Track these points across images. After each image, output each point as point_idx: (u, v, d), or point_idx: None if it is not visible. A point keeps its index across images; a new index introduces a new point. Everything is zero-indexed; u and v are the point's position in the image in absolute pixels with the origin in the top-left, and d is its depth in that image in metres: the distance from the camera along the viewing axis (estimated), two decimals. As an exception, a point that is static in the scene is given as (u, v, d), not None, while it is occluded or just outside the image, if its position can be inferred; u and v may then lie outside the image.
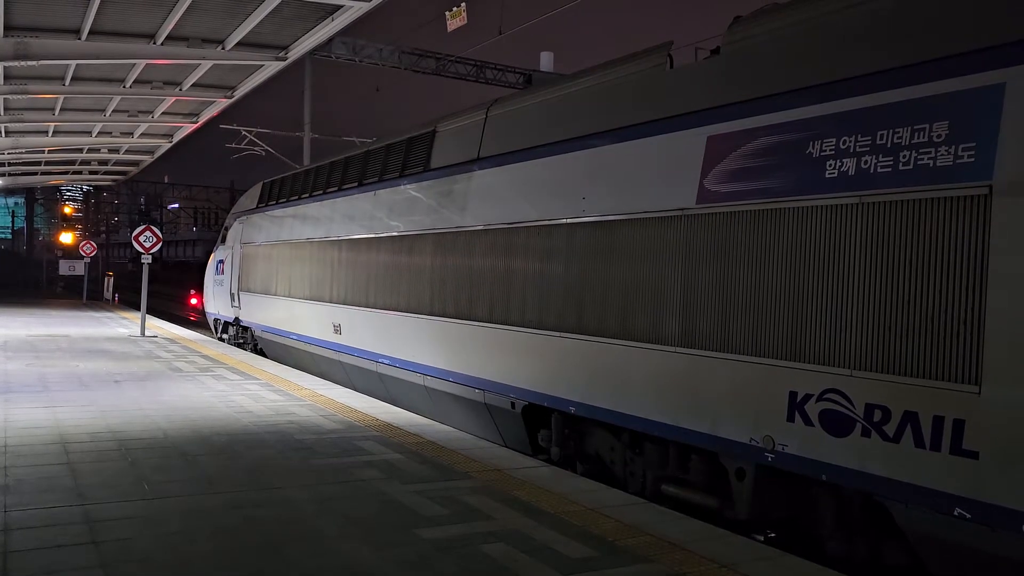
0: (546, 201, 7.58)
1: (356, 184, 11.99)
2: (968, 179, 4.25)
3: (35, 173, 32.72)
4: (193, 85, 16.05)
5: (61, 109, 18.44)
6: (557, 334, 7.24)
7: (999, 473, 4.07)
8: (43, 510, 5.02)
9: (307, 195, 14.04)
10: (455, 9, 20.88)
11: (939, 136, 4.43)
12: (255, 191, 17.66)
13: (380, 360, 10.76)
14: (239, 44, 13.03)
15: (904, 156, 4.57)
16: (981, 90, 4.27)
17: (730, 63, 5.99)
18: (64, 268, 36.98)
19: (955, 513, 4.24)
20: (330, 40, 20.17)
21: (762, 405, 5.30)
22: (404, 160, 10.63)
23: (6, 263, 56.14)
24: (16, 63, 12.66)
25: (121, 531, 4.68)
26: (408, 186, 10.34)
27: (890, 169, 4.63)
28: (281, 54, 13.66)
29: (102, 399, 9.18)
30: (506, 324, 7.95)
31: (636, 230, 6.44)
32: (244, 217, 17.73)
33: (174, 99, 17.35)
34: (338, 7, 11.39)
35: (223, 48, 13.17)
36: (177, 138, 22.97)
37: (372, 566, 4.27)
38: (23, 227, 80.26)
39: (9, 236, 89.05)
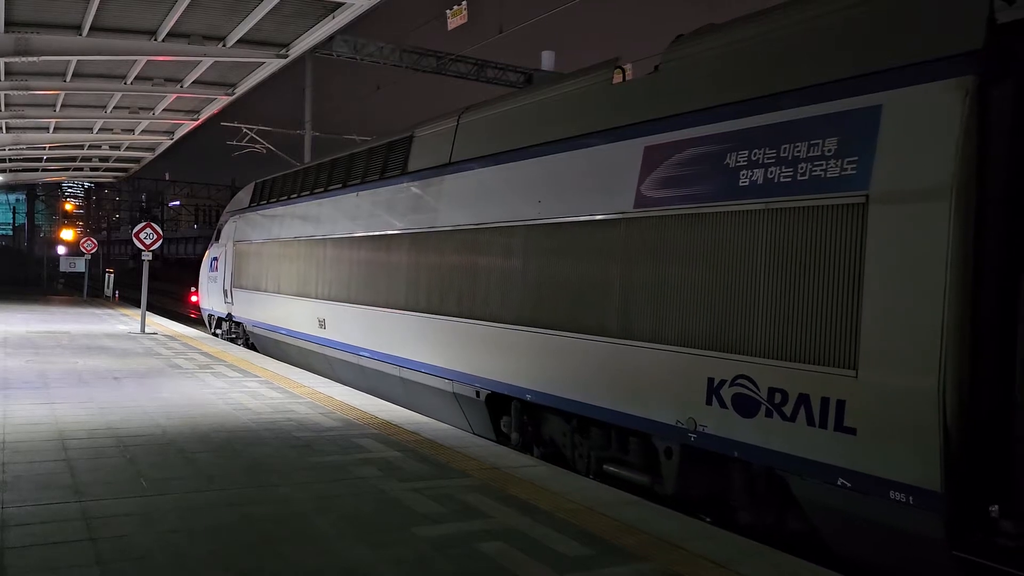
0: (507, 204, 8.14)
1: (341, 185, 12.54)
2: (850, 188, 4.85)
3: (36, 169, 32.72)
4: (194, 82, 16.05)
5: (62, 105, 18.45)
6: (515, 327, 7.75)
7: (872, 446, 4.65)
8: (41, 506, 5.02)
9: (296, 195, 14.58)
10: (456, 7, 20.84)
11: (829, 150, 5.01)
12: (248, 190, 18.09)
13: (361, 353, 11.20)
14: (240, 41, 13.04)
15: (802, 168, 5.16)
16: (863, 110, 4.87)
17: (664, 79, 6.60)
18: (65, 265, 36.99)
19: (839, 483, 4.80)
20: (331, 38, 20.12)
21: (686, 390, 5.84)
22: (384, 163, 11.18)
23: (7, 259, 56.10)
24: (17, 59, 12.67)
25: (118, 528, 4.68)
26: (387, 188, 10.88)
27: (790, 179, 5.21)
28: (282, 52, 13.66)
29: (101, 396, 9.19)
30: (471, 318, 8.50)
31: (583, 232, 7.00)
32: (237, 216, 18.14)
33: (175, 96, 17.36)
34: (339, 4, 11.40)
35: (224, 45, 13.18)
36: (178, 135, 22.98)
37: (369, 564, 4.27)
38: (24, 223, 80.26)
39: (10, 232, 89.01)
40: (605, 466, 6.92)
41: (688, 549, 4.66)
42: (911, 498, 4.44)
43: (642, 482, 6.48)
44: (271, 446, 6.98)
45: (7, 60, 13.01)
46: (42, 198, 77.44)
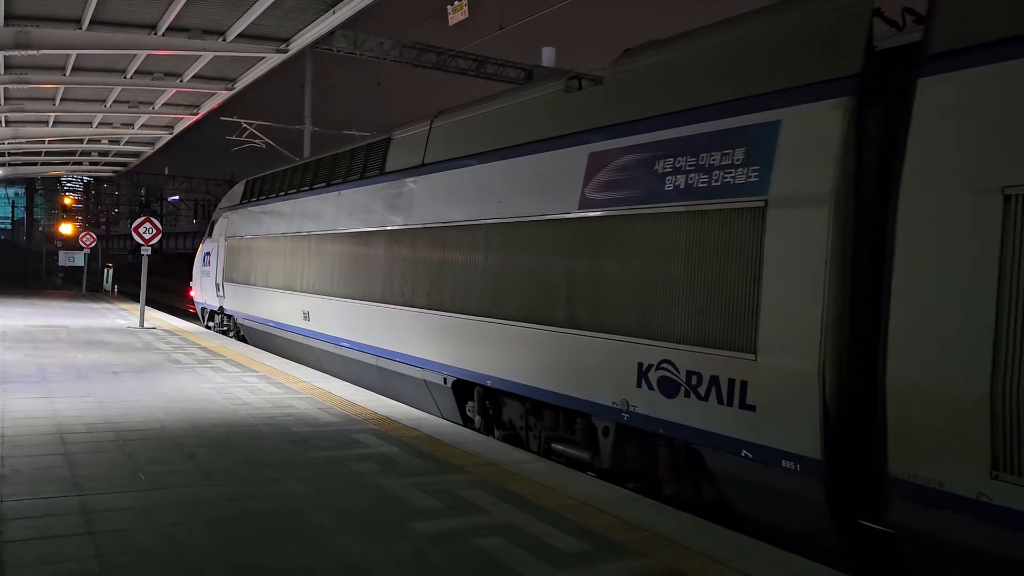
0: (471, 204, 8.72)
1: (324, 184, 13.13)
2: (753, 194, 5.43)
3: (35, 163, 32.63)
4: (194, 77, 16.01)
5: (61, 99, 18.39)
6: (477, 318, 8.30)
7: (768, 421, 5.22)
8: (39, 500, 5.03)
9: (283, 193, 15.16)
10: (456, 3, 20.78)
11: (738, 160, 5.60)
12: (239, 187, 18.65)
13: (342, 344, 11.72)
14: (240, 36, 12.99)
15: (716, 175, 5.74)
16: (765, 124, 5.45)
17: (606, 91, 7.18)
18: (64, 259, 36.95)
19: (743, 455, 5.39)
20: (331, 33, 20.09)
21: (620, 374, 6.40)
22: (364, 164, 11.77)
23: (6, 253, 55.96)
24: (17, 53, 12.62)
25: (117, 522, 4.69)
26: (366, 187, 11.46)
27: (706, 184, 5.80)
28: (282, 46, 13.62)
29: (100, 390, 9.19)
30: (439, 310, 9.06)
31: (536, 230, 7.57)
32: (229, 212, 18.70)
33: (175, 90, 17.32)
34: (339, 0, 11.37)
35: (224, 40, 13.13)
36: (178, 130, 22.91)
37: (367, 559, 4.28)
38: (23, 217, 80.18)
39: (9, 227, 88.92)
40: (553, 444, 7.48)
41: (687, 546, 4.67)
42: (798, 466, 5.03)
43: (583, 458, 7.03)
44: (270, 441, 6.99)
45: (7, 54, 12.95)
46: (41, 192, 77.38)
